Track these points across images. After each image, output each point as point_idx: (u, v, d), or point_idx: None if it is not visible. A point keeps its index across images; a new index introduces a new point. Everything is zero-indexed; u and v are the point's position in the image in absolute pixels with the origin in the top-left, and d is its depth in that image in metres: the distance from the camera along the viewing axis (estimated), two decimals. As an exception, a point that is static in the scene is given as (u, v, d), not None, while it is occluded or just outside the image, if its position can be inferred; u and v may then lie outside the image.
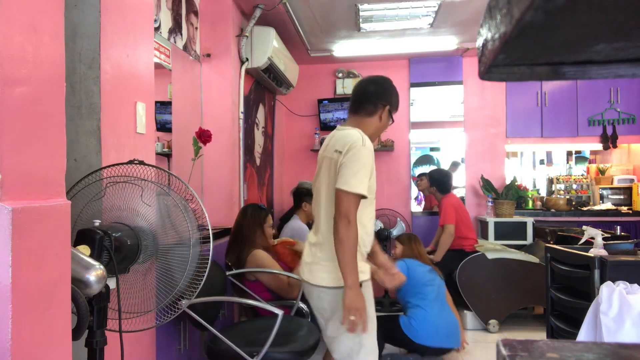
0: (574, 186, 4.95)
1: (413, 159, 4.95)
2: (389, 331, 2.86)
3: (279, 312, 1.92)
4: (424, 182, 4.32)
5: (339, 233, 1.66)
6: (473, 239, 3.86)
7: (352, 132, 1.78)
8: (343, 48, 4.46)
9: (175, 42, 2.69)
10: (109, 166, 1.48)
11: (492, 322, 3.59)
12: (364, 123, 1.87)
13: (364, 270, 1.81)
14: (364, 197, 1.70)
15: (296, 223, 3.39)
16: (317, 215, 1.87)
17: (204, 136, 2.58)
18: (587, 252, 2.30)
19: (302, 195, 3.41)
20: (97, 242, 1.22)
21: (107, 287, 1.28)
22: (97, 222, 1.30)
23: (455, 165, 4.87)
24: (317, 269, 1.80)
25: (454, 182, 4.85)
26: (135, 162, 1.46)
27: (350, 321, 1.65)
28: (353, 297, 1.65)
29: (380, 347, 2.81)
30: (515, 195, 4.43)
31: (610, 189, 4.82)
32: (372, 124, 1.88)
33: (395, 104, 1.95)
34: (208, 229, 1.43)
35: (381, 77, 1.97)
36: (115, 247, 1.28)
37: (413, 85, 4.87)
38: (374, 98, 1.88)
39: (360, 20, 3.74)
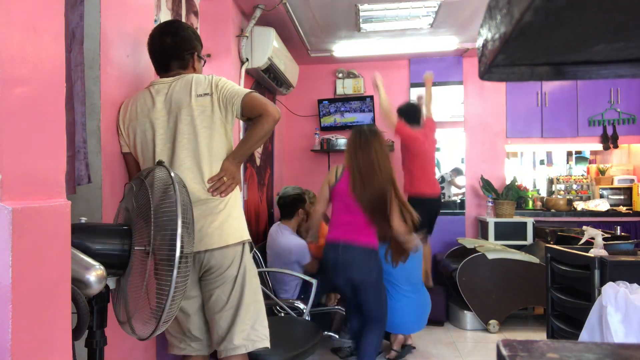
0: (574, 186, 4.95)
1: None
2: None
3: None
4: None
5: (266, 126, 1.66)
6: (427, 184, 3.76)
7: (190, 75, 1.71)
8: (343, 48, 4.46)
9: (175, 42, 2.69)
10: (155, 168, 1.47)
11: (492, 322, 3.59)
12: None
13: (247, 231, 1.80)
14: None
15: (294, 240, 3.12)
16: (195, 170, 1.69)
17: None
18: (587, 252, 2.30)
19: (297, 201, 3.25)
20: None
21: (107, 287, 1.28)
22: (83, 220, 1.29)
23: (457, 172, 4.86)
24: (226, 227, 1.70)
25: (459, 182, 4.85)
26: (162, 163, 1.46)
27: (220, 180, 1.70)
28: (236, 167, 1.75)
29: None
30: (515, 195, 4.43)
31: (611, 189, 4.82)
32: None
33: (199, 45, 1.83)
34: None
35: (171, 23, 1.82)
36: (80, 246, 1.25)
37: (413, 85, 4.86)
38: (178, 51, 1.76)
39: (360, 20, 3.74)
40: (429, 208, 3.74)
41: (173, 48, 1.75)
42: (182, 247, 1.23)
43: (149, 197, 1.31)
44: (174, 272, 1.21)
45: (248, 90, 1.69)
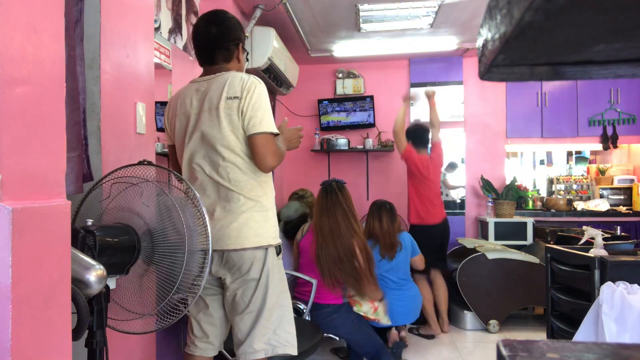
0: (574, 186, 4.95)
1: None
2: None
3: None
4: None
5: (260, 166, 1.69)
6: (432, 210, 3.72)
7: (227, 74, 1.70)
8: (343, 48, 4.46)
9: (175, 42, 2.69)
10: (121, 168, 1.48)
11: (492, 322, 3.59)
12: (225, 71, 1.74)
13: (277, 235, 1.78)
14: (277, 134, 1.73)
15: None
16: (218, 168, 1.69)
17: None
18: (587, 252, 2.30)
19: (302, 223, 3.05)
20: (79, 240, 1.20)
21: (107, 287, 1.28)
22: (89, 222, 1.29)
23: (452, 166, 4.86)
24: (246, 229, 1.68)
25: (453, 182, 4.85)
26: (145, 162, 1.47)
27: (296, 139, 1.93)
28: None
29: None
30: (515, 195, 4.43)
31: (611, 189, 4.82)
32: (232, 69, 1.77)
33: (244, 35, 1.84)
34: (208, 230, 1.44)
35: (216, 13, 1.80)
36: (106, 246, 1.26)
37: (413, 85, 4.86)
38: (223, 41, 1.76)
39: (361, 20, 3.74)
40: (434, 236, 3.69)
41: (218, 38, 1.75)
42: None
43: (170, 198, 1.36)
44: (206, 268, 1.35)
45: (269, 130, 1.67)
